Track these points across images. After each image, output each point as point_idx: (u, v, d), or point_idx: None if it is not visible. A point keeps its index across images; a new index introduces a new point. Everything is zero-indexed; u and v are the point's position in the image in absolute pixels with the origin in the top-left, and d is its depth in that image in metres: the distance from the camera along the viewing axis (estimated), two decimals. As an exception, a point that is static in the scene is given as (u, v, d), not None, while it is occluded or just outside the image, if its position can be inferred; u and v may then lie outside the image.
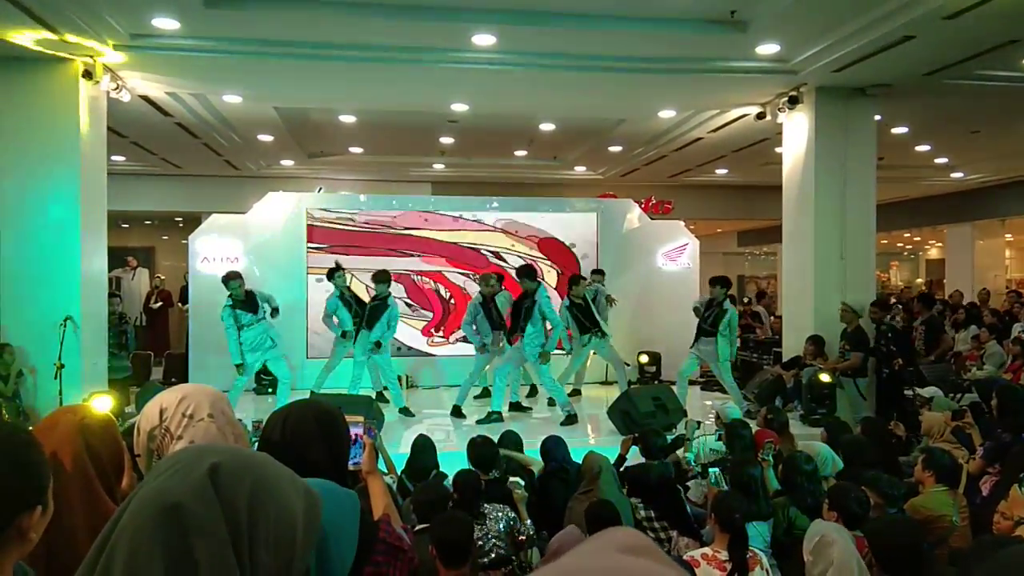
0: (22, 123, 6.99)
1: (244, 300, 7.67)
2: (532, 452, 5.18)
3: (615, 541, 0.76)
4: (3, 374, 6.82)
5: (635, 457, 4.98)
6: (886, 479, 3.93)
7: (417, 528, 3.44)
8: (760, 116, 8.87)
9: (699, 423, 5.71)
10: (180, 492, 0.74)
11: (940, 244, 20.20)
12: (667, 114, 9.87)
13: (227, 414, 1.54)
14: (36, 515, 1.14)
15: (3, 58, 6.89)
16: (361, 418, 1.87)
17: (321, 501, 0.90)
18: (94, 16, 6.05)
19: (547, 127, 10.97)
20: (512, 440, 5.27)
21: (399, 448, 5.85)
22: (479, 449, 4.53)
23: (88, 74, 6.92)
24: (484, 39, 6.70)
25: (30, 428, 1.62)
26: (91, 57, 6.93)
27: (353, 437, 1.82)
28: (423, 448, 4.90)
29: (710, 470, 4.42)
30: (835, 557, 2.91)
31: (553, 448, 4.88)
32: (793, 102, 8.07)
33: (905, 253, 25.75)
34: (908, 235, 21.06)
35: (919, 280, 24.03)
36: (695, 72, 7.45)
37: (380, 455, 4.77)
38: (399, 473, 4.77)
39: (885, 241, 21.37)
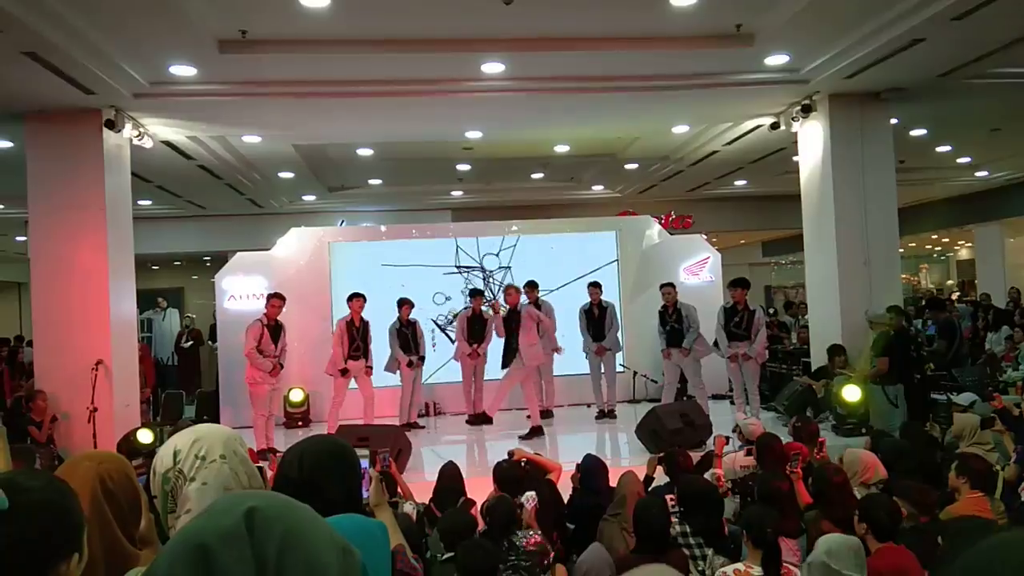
0: (48, 174, 7.21)
1: (273, 325, 7.70)
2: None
3: None
4: (37, 421, 6.95)
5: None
6: (917, 488, 3.85)
7: (444, 558, 3.44)
8: (774, 126, 8.85)
9: (728, 438, 5.64)
10: (210, 533, 0.76)
11: (970, 244, 19.83)
12: (680, 129, 9.88)
13: (240, 454, 1.57)
14: (74, 563, 1.17)
15: (28, 111, 7.13)
16: (367, 451, 1.90)
17: (360, 559, 0.90)
18: (114, 67, 6.22)
19: (562, 149, 11.03)
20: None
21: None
22: (504, 472, 4.51)
23: (111, 124, 7.13)
24: (493, 67, 6.79)
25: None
26: (113, 107, 7.14)
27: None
28: (450, 476, 4.89)
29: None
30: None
31: (593, 474, 4.80)
32: (806, 111, 8.03)
33: (935, 255, 25.32)
34: (936, 237, 20.72)
35: (950, 282, 23.60)
36: (705, 87, 7.46)
37: (397, 484, 4.78)
38: (428, 501, 4.76)
39: (913, 244, 21.03)
